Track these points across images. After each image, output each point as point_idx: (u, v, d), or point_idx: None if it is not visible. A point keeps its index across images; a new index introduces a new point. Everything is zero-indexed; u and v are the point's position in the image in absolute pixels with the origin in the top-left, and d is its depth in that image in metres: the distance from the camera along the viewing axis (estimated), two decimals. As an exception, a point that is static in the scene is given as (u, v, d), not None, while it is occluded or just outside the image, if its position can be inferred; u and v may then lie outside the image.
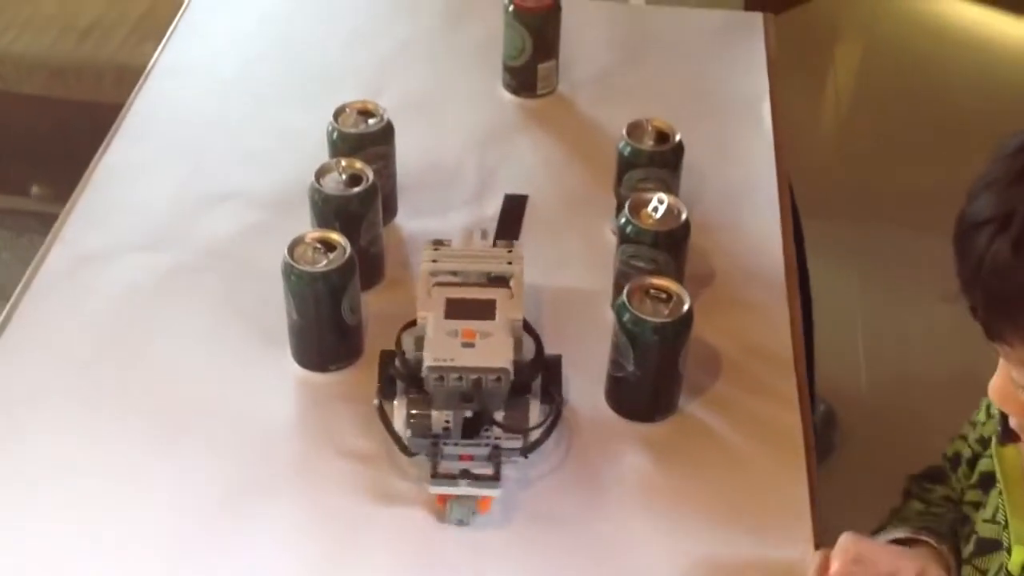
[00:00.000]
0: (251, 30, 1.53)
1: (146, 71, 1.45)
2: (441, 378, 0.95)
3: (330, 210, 1.10)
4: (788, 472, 1.01)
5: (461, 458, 0.97)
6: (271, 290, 1.07)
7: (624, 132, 1.18)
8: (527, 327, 1.03)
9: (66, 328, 1.12)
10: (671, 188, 1.18)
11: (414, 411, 0.98)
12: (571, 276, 1.19)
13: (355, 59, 1.48)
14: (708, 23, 1.58)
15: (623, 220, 1.09)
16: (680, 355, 1.01)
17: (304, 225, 1.13)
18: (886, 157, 2.52)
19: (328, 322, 1.05)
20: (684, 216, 1.09)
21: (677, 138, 1.18)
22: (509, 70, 1.40)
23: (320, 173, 1.11)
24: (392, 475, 0.99)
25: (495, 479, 0.95)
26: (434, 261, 1.06)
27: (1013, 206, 0.71)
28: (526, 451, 0.98)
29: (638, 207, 1.09)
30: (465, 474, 0.95)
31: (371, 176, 1.11)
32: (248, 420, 1.04)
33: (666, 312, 0.99)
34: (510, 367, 0.96)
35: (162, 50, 1.49)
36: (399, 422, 0.99)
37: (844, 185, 2.41)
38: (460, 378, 0.95)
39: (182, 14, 1.55)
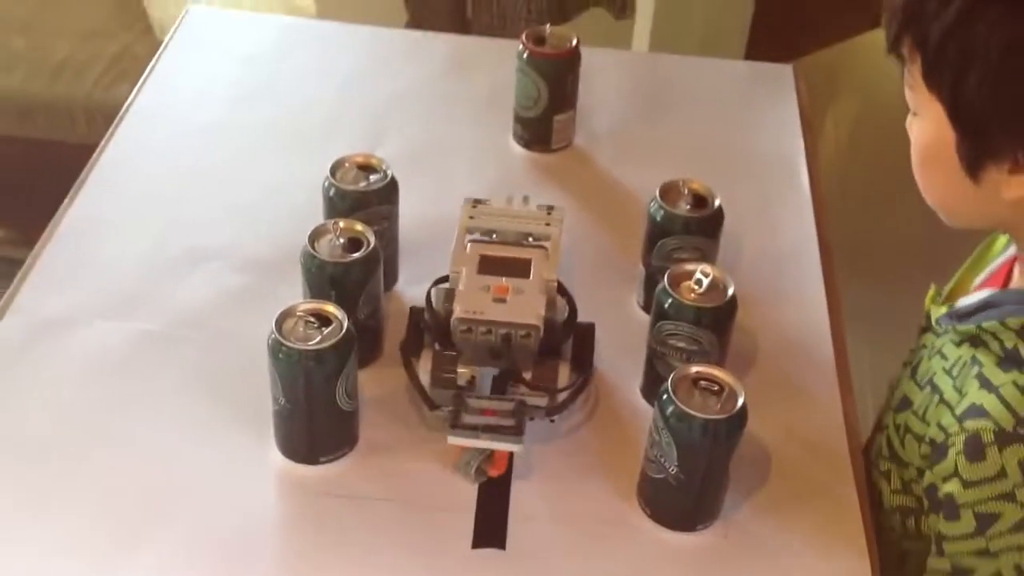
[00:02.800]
0: (236, 73, 1.40)
1: (119, 115, 1.31)
2: (469, 330, 0.93)
3: (325, 278, 0.96)
4: (854, 594, 0.87)
5: (484, 412, 0.91)
6: (254, 366, 0.93)
7: (657, 194, 1.05)
8: (561, 290, 1.00)
9: (17, 408, 0.97)
10: (709, 258, 1.05)
11: (440, 366, 0.95)
12: (594, 355, 1.05)
13: (350, 106, 1.35)
14: (734, 73, 1.46)
15: (661, 294, 0.96)
16: (732, 456, 0.87)
17: (293, 292, 0.99)
18: (883, 210, 2.42)
19: (321, 408, 0.90)
20: (731, 291, 0.95)
21: (716, 203, 1.05)
22: (521, 121, 1.27)
23: (315, 236, 0.98)
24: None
25: (517, 433, 0.90)
26: (471, 218, 1.03)
27: None
28: (552, 412, 0.95)
29: (678, 280, 0.96)
30: (487, 428, 0.90)
31: (372, 240, 0.98)
32: (225, 520, 0.89)
33: (717, 407, 0.86)
34: (541, 324, 0.94)
35: (138, 92, 1.35)
36: (424, 377, 0.95)
37: (844, 239, 2.31)
38: (489, 331, 0.93)
39: (161, 53, 1.42)
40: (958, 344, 0.92)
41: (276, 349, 0.88)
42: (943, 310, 0.95)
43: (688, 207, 1.05)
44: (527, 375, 0.94)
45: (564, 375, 0.96)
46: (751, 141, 1.33)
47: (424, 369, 0.96)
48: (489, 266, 0.98)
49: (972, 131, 0.83)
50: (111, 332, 1.04)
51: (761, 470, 0.95)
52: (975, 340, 0.90)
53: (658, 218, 1.05)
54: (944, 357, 0.93)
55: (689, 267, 0.96)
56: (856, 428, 1.00)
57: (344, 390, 0.90)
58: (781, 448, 0.97)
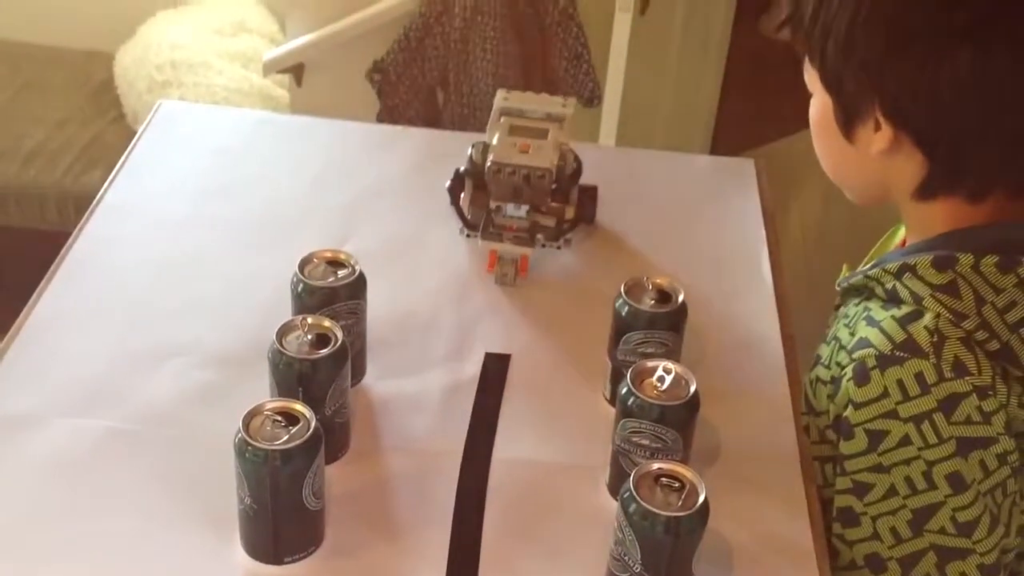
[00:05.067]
0: (206, 167, 1.41)
1: (90, 208, 1.32)
2: (499, 171, 1.21)
3: (293, 374, 0.97)
4: None
5: (507, 228, 1.23)
6: (219, 464, 0.93)
7: (622, 290, 1.07)
8: (571, 150, 1.28)
9: (-22, 507, 0.97)
10: (673, 353, 1.07)
11: (476, 199, 1.27)
12: (561, 450, 1.06)
13: (320, 200, 1.37)
14: (697, 167, 1.49)
15: (624, 391, 0.97)
16: (695, 553, 0.88)
17: (260, 387, 1.00)
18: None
19: (287, 508, 0.90)
20: (693, 388, 0.97)
21: (680, 298, 1.06)
22: (489, 215, 1.31)
23: (282, 332, 0.98)
24: None
25: (530, 241, 1.23)
26: (505, 99, 1.29)
27: None
28: (559, 234, 1.26)
29: (641, 377, 0.97)
30: (509, 238, 1.23)
31: (340, 336, 0.99)
32: (188, 622, 0.89)
33: (679, 503, 0.86)
34: (553, 169, 1.22)
35: (109, 185, 1.36)
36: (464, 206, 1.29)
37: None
38: (513, 172, 1.21)
39: (133, 146, 1.43)
40: (857, 304, 1.07)
41: (242, 449, 0.89)
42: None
43: (652, 302, 1.06)
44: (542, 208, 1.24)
45: (570, 212, 1.27)
46: (714, 234, 1.36)
47: (464, 204, 1.28)
48: (516, 131, 1.25)
49: (837, 93, 1.02)
50: (75, 430, 1.03)
51: (725, 568, 0.95)
52: (866, 292, 1.06)
53: (623, 313, 1.06)
54: (847, 316, 1.08)
55: (651, 364, 0.98)
56: (820, 524, 1.01)
57: (311, 489, 0.90)
58: (745, 545, 0.97)
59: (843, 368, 1.01)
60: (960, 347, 0.96)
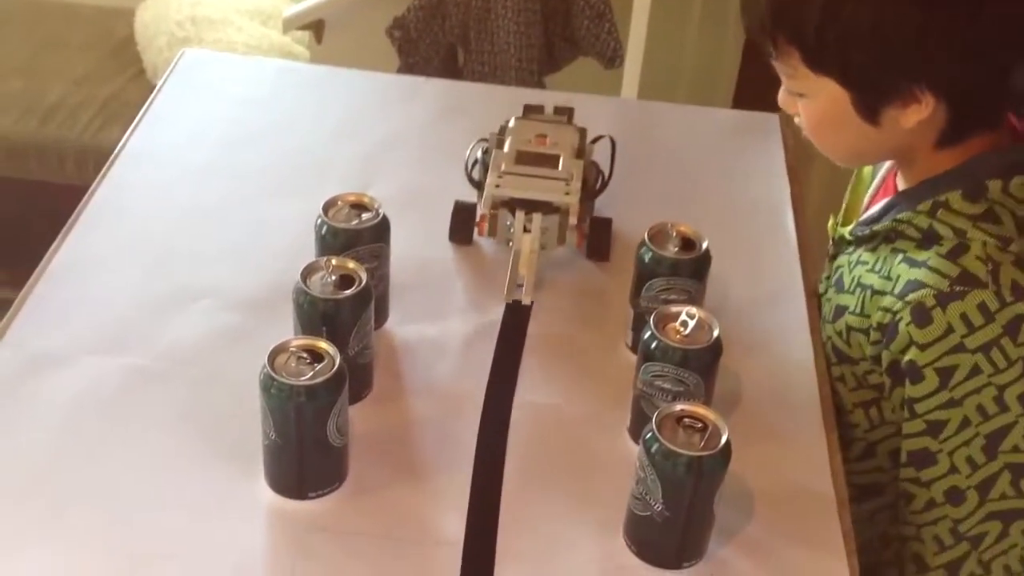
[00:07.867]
0: (228, 115, 1.41)
1: (112, 155, 1.33)
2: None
3: (317, 314, 0.97)
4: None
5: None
6: (244, 403, 0.94)
7: (646, 237, 1.07)
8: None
9: (5, 443, 0.97)
10: (696, 300, 1.07)
11: None
12: (582, 396, 1.06)
13: (342, 149, 1.37)
14: (721, 121, 1.49)
15: (647, 335, 0.97)
16: (716, 494, 0.88)
17: (283, 330, 1.00)
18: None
19: (311, 443, 0.91)
20: (716, 333, 0.97)
21: (704, 246, 1.06)
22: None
23: (307, 272, 0.99)
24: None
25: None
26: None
27: None
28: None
29: (664, 321, 0.97)
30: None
31: (364, 277, 0.99)
32: (213, 555, 0.90)
33: (701, 444, 0.87)
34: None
35: (131, 133, 1.36)
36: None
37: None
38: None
39: (155, 95, 1.43)
40: (874, 249, 1.08)
41: (268, 384, 0.89)
42: (850, 227, 1.13)
43: (676, 249, 1.06)
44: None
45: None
46: (738, 188, 1.35)
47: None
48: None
49: (867, 89, 0.99)
50: (101, 368, 1.04)
51: (746, 510, 0.96)
52: (891, 235, 1.06)
53: (646, 260, 1.06)
54: (865, 263, 1.08)
55: (675, 309, 0.98)
56: (841, 471, 1.01)
57: (335, 426, 0.91)
58: (766, 489, 0.98)
59: (896, 313, 1.00)
60: (1014, 270, 0.98)
